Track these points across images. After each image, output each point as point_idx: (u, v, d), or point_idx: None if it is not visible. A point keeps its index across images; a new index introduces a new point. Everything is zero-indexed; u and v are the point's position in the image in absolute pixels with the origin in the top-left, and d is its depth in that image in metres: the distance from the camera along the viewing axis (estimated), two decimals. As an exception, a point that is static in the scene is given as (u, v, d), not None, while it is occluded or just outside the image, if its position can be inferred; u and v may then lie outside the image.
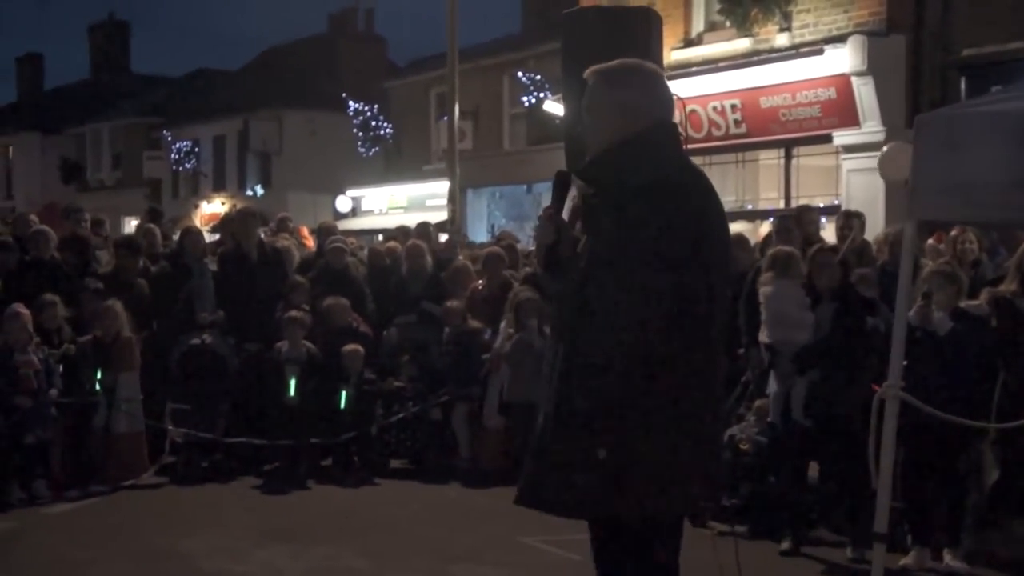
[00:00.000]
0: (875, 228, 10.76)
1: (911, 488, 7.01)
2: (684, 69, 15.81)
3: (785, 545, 7.31)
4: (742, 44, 15.72)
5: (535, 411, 9.28)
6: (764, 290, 7.69)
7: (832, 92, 14.35)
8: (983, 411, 6.73)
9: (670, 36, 14.91)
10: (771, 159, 16.12)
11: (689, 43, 16.59)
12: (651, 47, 6.07)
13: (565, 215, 3.78)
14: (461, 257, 11.69)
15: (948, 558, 6.92)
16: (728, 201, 15.04)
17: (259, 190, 33.69)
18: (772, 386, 7.64)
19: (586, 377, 3.44)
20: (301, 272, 11.06)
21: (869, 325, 7.38)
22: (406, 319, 10.73)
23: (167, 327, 10.19)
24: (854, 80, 14.02)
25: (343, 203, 29.44)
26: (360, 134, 29.31)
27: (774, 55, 15.14)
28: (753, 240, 10.91)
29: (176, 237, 11.78)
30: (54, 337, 9.49)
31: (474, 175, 23.38)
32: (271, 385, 9.85)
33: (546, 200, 3.89)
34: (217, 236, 14.80)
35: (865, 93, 13.98)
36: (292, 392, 9.76)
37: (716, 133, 15.86)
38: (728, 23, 16.00)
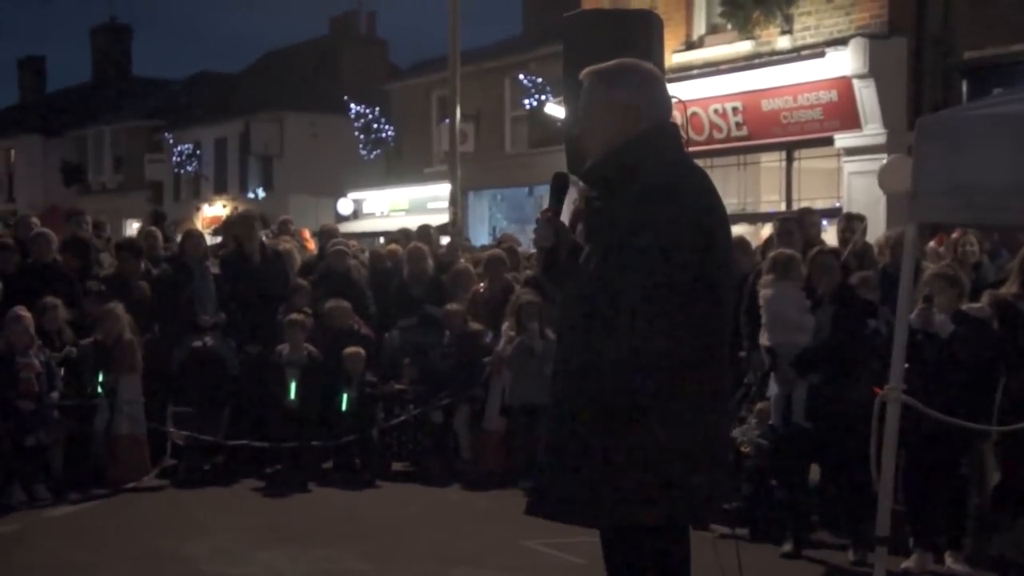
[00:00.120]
0: (877, 231, 10.76)
1: (913, 491, 7.00)
2: (685, 72, 15.80)
3: (787, 548, 7.31)
4: (743, 47, 15.72)
5: (536, 414, 9.26)
6: (764, 293, 7.70)
7: (833, 95, 14.35)
8: (985, 413, 6.73)
9: (671, 39, 14.90)
10: (772, 162, 16.12)
11: (690, 46, 16.59)
12: (652, 50, 6.06)
13: (564, 218, 3.77)
14: (463, 260, 11.70)
15: (950, 561, 6.91)
16: (729, 204, 15.00)
17: (260, 193, 33.69)
18: (773, 389, 7.64)
19: (594, 383, 3.40)
20: (303, 275, 11.07)
21: (870, 328, 7.38)
22: (407, 322, 10.73)
23: (168, 330, 10.19)
24: (855, 83, 14.01)
25: (344, 206, 29.43)
26: (361, 137, 29.31)
27: (775, 58, 15.14)
28: (754, 243, 10.91)
29: (178, 240, 11.79)
30: (55, 340, 9.49)
31: (475, 178, 23.38)
32: (272, 388, 9.85)
33: (547, 202, 3.88)
34: (219, 239, 14.81)
35: (866, 96, 13.98)
36: (292, 395, 9.76)
37: (717, 136, 15.85)
38: (729, 26, 16.00)
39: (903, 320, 5.46)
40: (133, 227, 32.06)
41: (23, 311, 9.07)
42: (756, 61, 15.40)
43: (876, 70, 13.82)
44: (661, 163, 3.53)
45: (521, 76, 23.65)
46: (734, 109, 15.59)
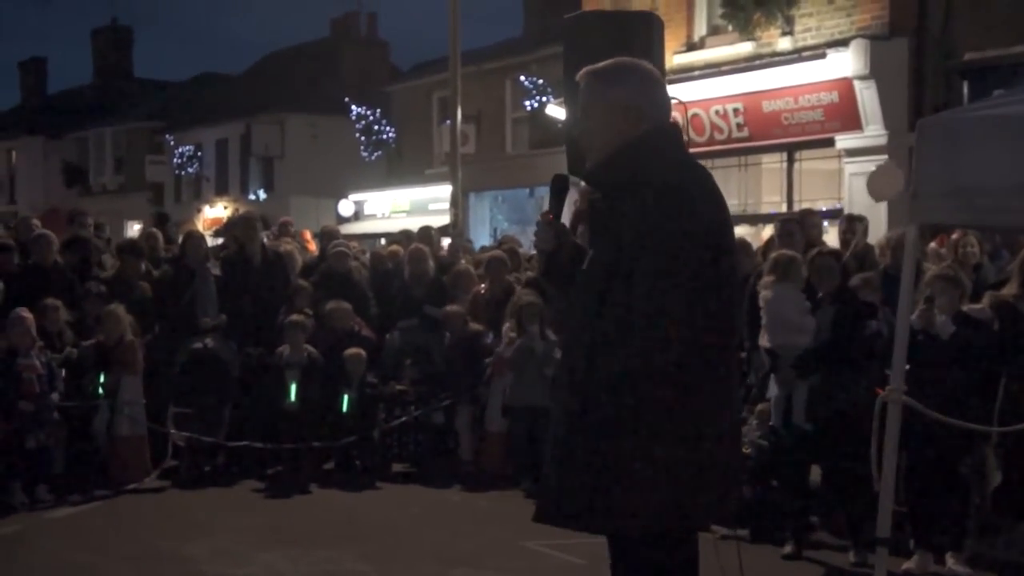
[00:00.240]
0: (878, 232, 10.75)
1: (914, 492, 7.00)
2: (686, 73, 15.81)
3: (787, 549, 7.31)
4: (744, 48, 15.73)
5: (537, 415, 9.24)
6: (764, 294, 7.70)
7: (834, 96, 14.36)
8: (985, 414, 6.73)
9: (672, 40, 14.91)
10: (773, 163, 16.12)
11: (691, 47, 16.60)
12: (653, 51, 6.06)
13: (564, 219, 3.74)
14: (463, 261, 11.70)
15: (951, 562, 6.91)
16: (730, 205, 14.87)
17: (262, 194, 33.70)
18: (773, 390, 7.64)
19: (601, 390, 3.36)
20: (304, 276, 11.08)
21: (871, 329, 7.38)
22: (408, 323, 10.74)
23: (169, 331, 10.20)
24: (856, 84, 14.02)
25: (345, 207, 29.44)
26: (362, 138, 29.31)
27: (776, 59, 15.15)
28: (755, 244, 10.90)
29: (180, 241, 11.80)
30: (56, 341, 9.50)
31: (476, 179, 23.39)
32: (272, 389, 9.86)
33: (547, 204, 3.85)
34: (220, 240, 14.81)
35: (867, 97, 13.99)
36: (292, 397, 9.76)
37: (718, 137, 15.86)
38: (730, 27, 16.00)
39: (904, 321, 5.46)
40: (134, 228, 32.08)
41: (25, 312, 9.07)
42: (757, 62, 15.40)
43: (877, 71, 13.83)
44: (667, 165, 3.47)
45: (522, 77, 23.66)
46: (735, 110, 15.60)
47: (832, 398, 7.23)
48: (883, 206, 12.68)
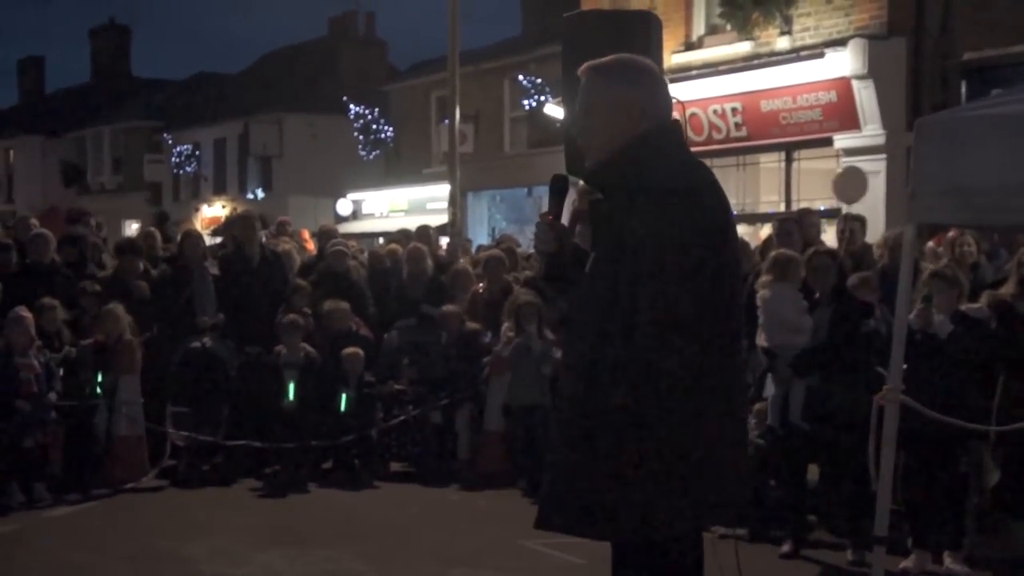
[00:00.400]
0: (876, 231, 10.76)
1: (911, 491, 7.00)
2: (685, 72, 15.81)
3: (785, 548, 7.31)
4: (743, 47, 15.73)
5: (535, 414, 9.22)
6: (762, 294, 7.70)
7: (833, 95, 14.36)
8: (983, 414, 6.73)
9: (670, 39, 14.91)
10: (772, 162, 16.12)
11: (690, 46, 16.60)
12: (651, 50, 6.06)
13: (564, 219, 3.70)
14: (462, 260, 11.69)
15: (948, 561, 6.91)
16: (729, 204, 15.01)
17: (260, 193, 33.70)
18: (770, 389, 7.65)
19: (604, 394, 3.30)
20: (302, 275, 11.07)
21: (868, 328, 7.38)
22: (406, 322, 10.73)
23: (167, 330, 10.19)
24: (855, 83, 14.02)
25: (344, 206, 29.44)
26: (361, 137, 29.32)
27: (775, 58, 15.14)
28: (753, 243, 10.90)
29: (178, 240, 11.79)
30: (54, 340, 9.49)
31: (475, 178, 23.38)
32: (270, 389, 9.85)
33: (546, 204, 3.80)
34: (218, 239, 14.81)
35: (866, 96, 13.99)
36: (291, 397, 9.76)
37: (717, 136, 15.86)
38: (729, 26, 16.01)
39: (902, 320, 5.46)
40: (132, 228, 32.09)
41: (24, 311, 9.07)
42: (755, 62, 15.40)
43: (875, 71, 13.83)
44: (671, 164, 3.41)
45: (520, 77, 23.66)
46: (733, 110, 15.60)
47: (829, 397, 7.23)
48: (881, 206, 12.71)
